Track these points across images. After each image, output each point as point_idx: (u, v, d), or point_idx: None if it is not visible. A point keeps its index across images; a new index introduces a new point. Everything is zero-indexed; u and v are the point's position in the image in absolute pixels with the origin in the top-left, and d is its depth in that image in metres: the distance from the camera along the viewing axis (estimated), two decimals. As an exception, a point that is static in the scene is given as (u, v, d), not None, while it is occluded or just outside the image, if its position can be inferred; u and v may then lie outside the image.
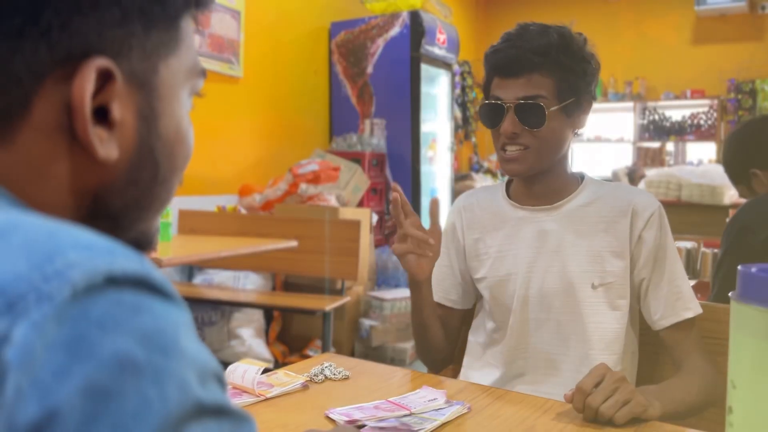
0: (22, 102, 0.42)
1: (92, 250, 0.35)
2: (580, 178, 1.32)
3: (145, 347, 0.34)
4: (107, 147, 0.44)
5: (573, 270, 1.24)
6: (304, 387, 1.12)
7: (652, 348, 1.32)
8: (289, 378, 1.14)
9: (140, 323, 0.34)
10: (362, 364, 1.25)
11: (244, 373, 1.09)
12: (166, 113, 0.48)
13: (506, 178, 1.35)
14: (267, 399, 1.06)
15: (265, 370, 1.12)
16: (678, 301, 1.22)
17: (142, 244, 0.52)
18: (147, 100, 0.46)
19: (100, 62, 0.43)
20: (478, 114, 1.27)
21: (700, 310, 1.22)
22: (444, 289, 1.39)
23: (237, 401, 1.02)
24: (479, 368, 1.32)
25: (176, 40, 0.48)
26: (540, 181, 1.28)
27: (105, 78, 0.43)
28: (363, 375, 1.19)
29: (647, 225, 1.23)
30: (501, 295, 1.30)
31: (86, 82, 0.42)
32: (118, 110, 0.44)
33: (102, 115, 0.44)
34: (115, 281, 0.35)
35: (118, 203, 0.47)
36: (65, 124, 0.43)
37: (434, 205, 1.25)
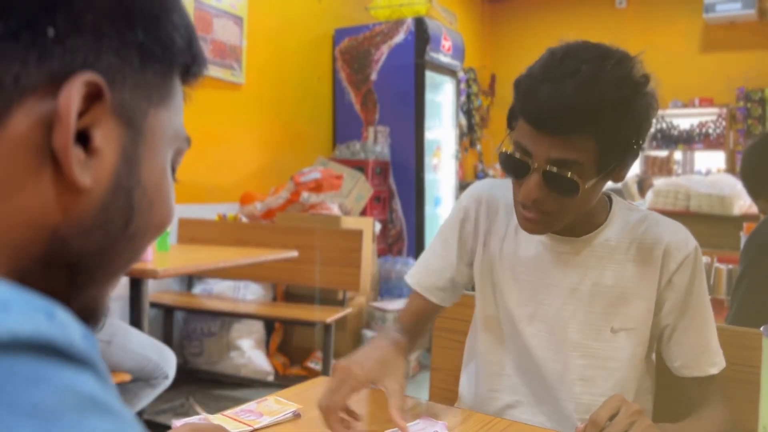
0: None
1: None
2: (608, 200, 1.15)
3: (42, 429, 0.27)
4: (83, 172, 0.39)
5: (592, 311, 1.12)
6: (296, 416, 1.05)
7: (668, 382, 1.22)
8: (279, 405, 1.07)
9: (37, 398, 0.28)
10: (359, 390, 1.18)
11: None
12: (150, 162, 0.44)
13: None
14: (255, 430, 0.99)
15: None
16: (704, 354, 1.11)
17: (90, 313, 0.45)
18: (132, 141, 0.42)
19: (90, 77, 0.39)
20: (498, 158, 1.06)
21: (724, 365, 1.12)
22: (433, 281, 1.23)
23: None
24: (482, 399, 1.24)
25: (169, 91, 0.45)
26: None
27: (92, 99, 0.39)
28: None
29: (679, 269, 1.09)
30: (509, 328, 1.19)
31: (74, 95, 0.38)
32: (100, 138, 0.40)
33: (83, 141, 0.40)
34: (4, 346, 0.28)
35: (79, 247, 0.41)
36: (40, 143, 0.38)
37: None
